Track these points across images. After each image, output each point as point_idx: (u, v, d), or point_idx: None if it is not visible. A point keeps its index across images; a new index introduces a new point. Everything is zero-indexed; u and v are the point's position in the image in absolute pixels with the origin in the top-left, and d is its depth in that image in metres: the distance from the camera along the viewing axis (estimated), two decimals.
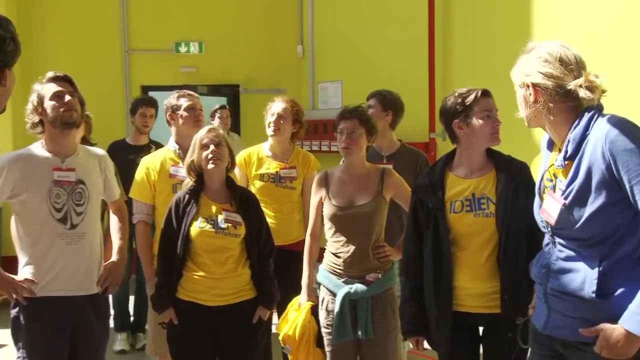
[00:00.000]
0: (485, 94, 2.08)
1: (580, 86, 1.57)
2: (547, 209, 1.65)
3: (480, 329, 2.16)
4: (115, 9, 6.45)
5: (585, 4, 4.16)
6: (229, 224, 2.47)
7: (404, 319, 2.20)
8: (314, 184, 2.68)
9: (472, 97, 2.07)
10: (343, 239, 2.55)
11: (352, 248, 2.53)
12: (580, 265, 1.59)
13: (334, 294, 2.56)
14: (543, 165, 1.75)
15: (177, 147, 3.01)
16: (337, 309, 2.50)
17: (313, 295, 2.66)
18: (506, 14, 4.76)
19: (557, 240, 1.66)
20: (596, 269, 1.54)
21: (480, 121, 2.06)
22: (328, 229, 2.63)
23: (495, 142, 2.08)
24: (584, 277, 1.56)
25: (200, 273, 2.49)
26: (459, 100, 2.10)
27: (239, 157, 3.15)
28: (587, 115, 1.58)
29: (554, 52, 1.63)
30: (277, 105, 3.15)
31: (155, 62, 6.53)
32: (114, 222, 2.64)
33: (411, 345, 2.26)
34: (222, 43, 6.63)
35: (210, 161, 2.49)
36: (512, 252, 1.99)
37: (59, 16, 6.39)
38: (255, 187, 3.14)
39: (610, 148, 1.51)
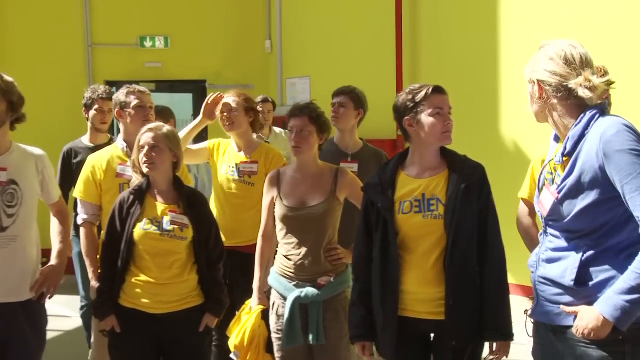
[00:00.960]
0: (437, 90, 2.01)
1: (580, 85, 1.63)
2: (542, 200, 1.72)
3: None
4: (77, 1, 6.24)
5: (552, 2, 4.14)
6: (175, 226, 2.37)
7: (351, 322, 2.14)
8: (266, 183, 2.60)
9: (422, 93, 2.00)
10: (294, 240, 2.48)
11: (303, 250, 2.45)
12: (565, 254, 1.67)
13: (284, 298, 2.49)
14: (547, 158, 1.81)
15: (125, 145, 2.90)
16: (286, 313, 2.43)
17: (264, 298, 2.58)
18: (474, 9, 4.71)
19: (549, 230, 1.73)
20: (578, 259, 1.63)
21: (431, 119, 1.99)
22: (279, 230, 2.55)
23: (445, 141, 2.01)
24: (566, 266, 1.65)
25: (144, 278, 2.38)
26: (410, 96, 2.02)
27: (214, 140, 3.16)
28: (587, 114, 1.64)
29: (559, 50, 1.69)
30: (224, 100, 3.11)
31: (119, 57, 6.35)
32: (54, 225, 2.52)
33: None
34: (188, 37, 6.47)
35: (145, 164, 2.41)
36: (459, 256, 1.93)
37: (18, 8, 6.15)
38: (215, 179, 3.09)
39: (603, 148, 1.57)
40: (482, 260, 1.96)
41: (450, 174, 1.99)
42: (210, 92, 6.31)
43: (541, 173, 1.78)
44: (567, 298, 1.65)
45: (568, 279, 1.63)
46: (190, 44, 6.45)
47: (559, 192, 1.66)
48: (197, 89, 6.52)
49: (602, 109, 1.66)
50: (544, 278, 1.72)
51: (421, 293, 1.99)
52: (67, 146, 3.73)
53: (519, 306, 4.01)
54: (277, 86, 6.51)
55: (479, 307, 1.94)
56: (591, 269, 1.63)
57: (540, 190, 1.77)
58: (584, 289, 1.62)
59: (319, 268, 2.46)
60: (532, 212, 2.50)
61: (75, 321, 4.30)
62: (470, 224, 1.94)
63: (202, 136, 5.30)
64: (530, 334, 1.85)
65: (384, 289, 2.00)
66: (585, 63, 1.67)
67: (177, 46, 6.42)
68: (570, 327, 1.64)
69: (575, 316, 1.63)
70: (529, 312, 1.83)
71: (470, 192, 1.96)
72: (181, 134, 3.04)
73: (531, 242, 2.44)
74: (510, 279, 4.15)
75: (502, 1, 4.54)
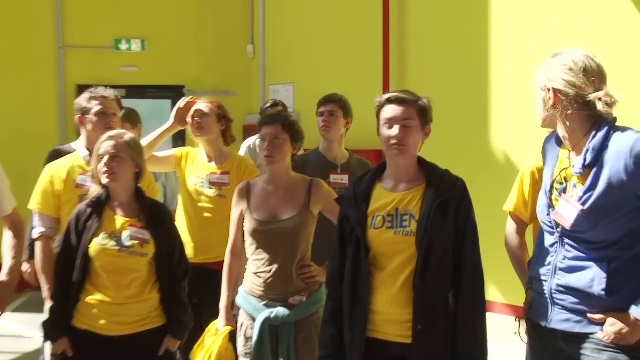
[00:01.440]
0: (390, 100, 2.00)
1: (600, 99, 1.73)
2: (562, 212, 1.79)
3: None
4: (48, 0, 6.18)
5: (542, 6, 4.15)
6: (135, 242, 2.32)
7: (321, 342, 2.10)
8: (235, 195, 2.56)
9: (379, 104, 2.02)
10: (265, 257, 2.43)
11: (274, 267, 2.41)
12: (589, 265, 1.77)
13: (253, 319, 2.43)
14: (549, 167, 1.89)
15: (88, 153, 2.82)
16: (255, 335, 2.38)
17: (232, 319, 2.52)
18: (463, 15, 4.71)
19: (566, 240, 1.81)
20: (605, 269, 1.73)
21: (383, 130, 2.00)
22: (249, 245, 2.50)
23: (393, 154, 1.99)
24: (593, 276, 1.75)
25: (100, 297, 2.31)
26: (376, 107, 2.04)
27: (183, 148, 3.13)
28: (604, 126, 1.75)
29: (579, 61, 1.77)
30: (197, 105, 3.08)
31: (92, 60, 6.27)
32: (7, 238, 2.45)
33: None
34: (167, 40, 6.41)
35: (104, 175, 2.35)
36: (430, 277, 1.90)
37: None
38: (183, 191, 3.04)
39: (634, 162, 1.68)
40: (458, 283, 1.92)
41: (426, 189, 1.98)
42: None
43: (552, 183, 1.84)
44: (593, 306, 1.75)
45: (598, 288, 1.73)
46: (168, 47, 6.40)
47: (583, 204, 1.74)
48: (176, 95, 6.41)
49: (615, 120, 1.77)
50: (564, 287, 1.80)
51: (391, 314, 1.96)
52: (54, 151, 3.17)
53: (509, 327, 3.95)
54: (259, 93, 6.48)
55: (453, 334, 1.90)
56: (619, 278, 1.73)
57: (550, 200, 1.84)
58: (613, 298, 1.72)
59: (291, 287, 2.41)
60: (520, 229, 2.47)
61: (38, 342, 4.18)
62: (444, 243, 1.92)
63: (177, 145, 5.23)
64: (525, 341, 1.94)
65: (353, 308, 1.98)
66: (603, 76, 1.76)
67: (154, 50, 6.36)
68: (592, 334, 1.75)
69: (602, 323, 1.74)
70: (525, 316, 1.92)
71: (446, 209, 1.93)
72: (148, 139, 3.02)
73: (519, 265, 2.39)
74: (500, 299, 4.12)
75: (492, 7, 4.55)
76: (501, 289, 4.15)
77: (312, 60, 5.97)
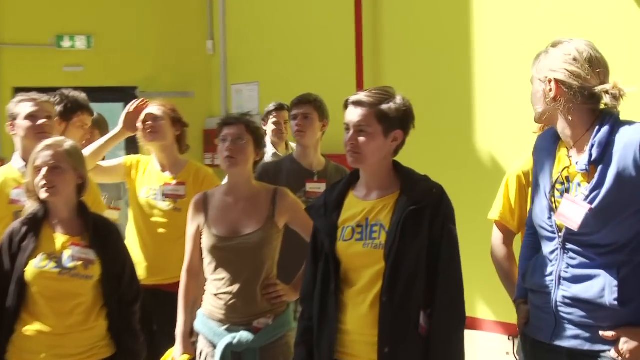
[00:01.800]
0: (347, 103, 2.02)
1: (607, 92, 1.75)
2: (566, 213, 1.79)
3: None
4: None
5: (523, 6, 4.22)
6: (78, 263, 2.28)
7: None
8: (190, 208, 2.54)
9: (344, 105, 2.05)
10: (225, 276, 2.42)
11: (236, 287, 2.40)
12: (597, 272, 1.77)
13: (214, 345, 2.41)
14: (547, 167, 1.89)
15: (23, 164, 2.76)
16: None
17: (190, 347, 2.50)
18: (444, 8, 4.75)
19: (569, 246, 1.82)
20: (615, 276, 1.74)
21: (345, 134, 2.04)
22: (207, 264, 2.48)
23: (349, 161, 2.01)
24: (603, 284, 1.75)
25: (38, 327, 2.27)
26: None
27: (133, 156, 3.11)
28: (609, 120, 1.77)
29: (583, 51, 1.79)
30: (148, 108, 3.07)
31: (31, 59, 6.13)
32: None
33: None
34: (116, 37, 6.31)
35: (43, 189, 2.30)
36: (399, 294, 1.90)
37: None
38: (134, 204, 3.02)
39: None
40: (432, 301, 1.92)
41: (399, 196, 1.97)
42: None
43: (553, 184, 1.85)
44: (604, 319, 1.75)
45: (609, 298, 1.73)
46: (117, 44, 6.30)
47: (590, 203, 1.75)
48: (127, 97, 6.23)
49: (618, 114, 1.80)
50: (571, 299, 1.79)
51: (360, 334, 1.96)
52: None
53: (500, 346, 3.99)
54: (220, 94, 6.43)
55: (425, 358, 1.90)
56: (631, 286, 1.74)
57: (551, 202, 1.85)
58: (626, 309, 1.73)
59: (255, 309, 2.40)
60: (506, 239, 2.50)
61: None
62: (415, 257, 1.91)
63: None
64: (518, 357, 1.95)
65: (321, 327, 1.99)
66: (607, 68, 1.80)
67: (102, 47, 6.26)
68: (603, 352, 1.75)
69: (614, 340, 1.73)
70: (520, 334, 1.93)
71: (419, 219, 1.92)
72: (92, 147, 2.99)
73: (507, 279, 2.43)
74: (489, 316, 4.13)
75: (474, 6, 4.60)
76: (490, 305, 4.17)
77: (279, 57, 5.94)
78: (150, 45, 6.43)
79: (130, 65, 6.31)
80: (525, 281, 1.95)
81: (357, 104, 1.99)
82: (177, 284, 2.67)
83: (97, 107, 6.54)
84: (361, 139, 1.96)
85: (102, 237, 2.34)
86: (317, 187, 3.01)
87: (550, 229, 1.86)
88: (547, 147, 1.92)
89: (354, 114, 1.98)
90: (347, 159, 2.02)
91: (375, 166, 2.01)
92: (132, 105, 3.05)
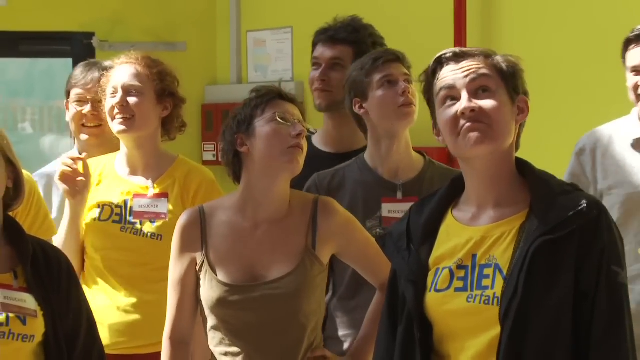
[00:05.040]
0: (442, 60, 1.74)
1: None
2: None
3: None
4: None
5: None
6: (10, 315, 1.88)
7: None
8: (177, 235, 2.02)
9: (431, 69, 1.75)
10: (242, 349, 1.94)
11: None
12: None
13: None
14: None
15: None
16: None
17: None
18: None
19: None
20: None
21: (443, 112, 1.70)
22: (211, 327, 1.97)
23: (470, 142, 1.64)
24: None
25: None
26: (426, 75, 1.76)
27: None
28: None
29: None
30: (121, 73, 2.39)
31: None
32: None
33: None
34: None
35: None
36: None
37: None
38: (85, 231, 2.44)
39: None
40: None
41: (527, 218, 1.64)
42: (102, 55, 4.57)
43: None
44: None
45: None
46: None
47: None
48: (77, 50, 4.95)
49: None
50: None
51: None
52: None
53: None
54: (229, 46, 5.18)
55: None
56: None
57: None
58: None
59: None
60: None
61: None
62: (552, 318, 1.59)
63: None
64: None
65: None
66: None
67: None
68: None
69: None
70: None
71: (559, 257, 1.59)
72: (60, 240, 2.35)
73: None
74: None
75: None
76: None
77: None
78: None
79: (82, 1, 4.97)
80: None
81: (464, 55, 1.68)
82: (156, 355, 2.16)
83: (26, 66, 5.62)
84: (487, 102, 1.60)
85: (47, 274, 1.93)
86: (401, 210, 2.17)
87: None
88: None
89: (465, 68, 1.65)
90: (461, 147, 1.60)
91: (499, 160, 1.64)
92: (65, 160, 2.37)
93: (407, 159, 2.30)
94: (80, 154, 2.44)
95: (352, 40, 2.52)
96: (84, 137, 2.57)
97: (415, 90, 2.24)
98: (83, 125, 2.59)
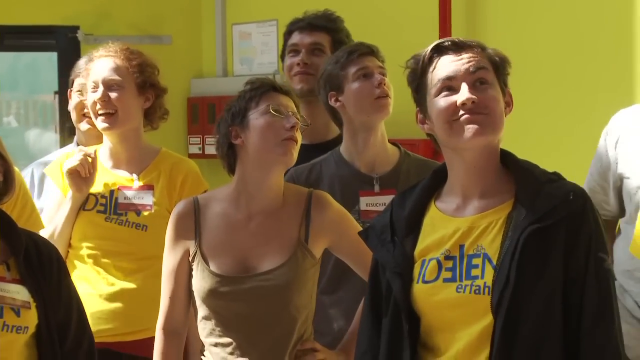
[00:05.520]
0: (440, 48, 1.75)
1: None
2: None
3: None
4: None
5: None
6: (4, 306, 1.87)
7: None
8: (171, 225, 2.01)
9: (424, 58, 1.73)
10: (234, 340, 1.92)
11: (252, 358, 1.92)
12: None
13: None
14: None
15: None
16: None
17: None
18: None
19: None
20: None
21: (438, 101, 1.71)
22: (202, 319, 1.95)
23: (470, 134, 1.65)
24: None
25: None
26: (419, 64, 1.75)
27: (57, 163, 2.49)
28: None
29: None
30: (100, 67, 2.35)
31: None
32: None
33: None
34: None
35: None
36: None
37: None
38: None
39: None
40: None
41: (514, 207, 1.62)
42: (87, 48, 4.42)
43: None
44: None
45: None
46: None
47: None
48: (60, 44, 5.02)
49: None
50: None
51: None
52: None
53: None
54: (215, 39, 5.26)
55: None
56: None
57: None
58: None
59: None
60: None
61: None
62: (542, 307, 1.58)
63: None
64: None
65: None
66: None
67: None
68: None
69: None
70: None
71: (547, 245, 1.58)
72: (48, 231, 2.34)
73: None
74: None
75: None
76: None
77: None
78: None
79: None
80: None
81: (463, 46, 1.67)
82: (146, 342, 2.14)
83: (14, 59, 5.56)
84: (487, 94, 1.60)
85: (39, 267, 1.92)
86: (379, 202, 2.21)
87: None
88: None
89: (466, 60, 1.65)
90: (452, 133, 1.59)
91: (489, 152, 1.64)
92: (74, 159, 2.34)
93: (383, 151, 2.27)
94: (85, 148, 2.42)
95: (329, 27, 2.53)
96: (84, 126, 2.56)
97: (390, 83, 2.25)
98: (84, 114, 2.57)
